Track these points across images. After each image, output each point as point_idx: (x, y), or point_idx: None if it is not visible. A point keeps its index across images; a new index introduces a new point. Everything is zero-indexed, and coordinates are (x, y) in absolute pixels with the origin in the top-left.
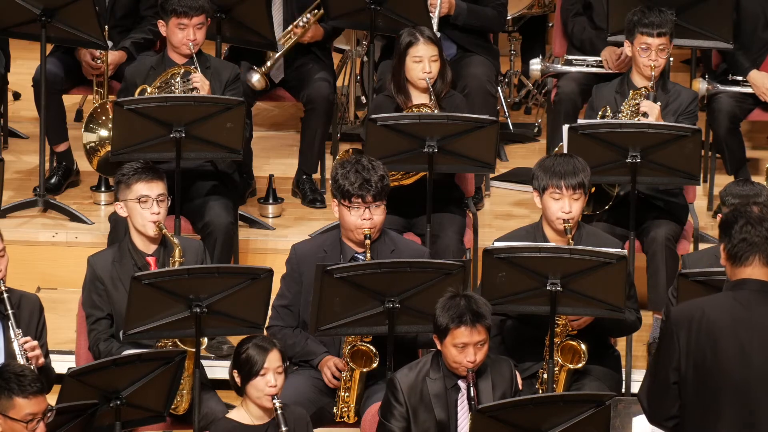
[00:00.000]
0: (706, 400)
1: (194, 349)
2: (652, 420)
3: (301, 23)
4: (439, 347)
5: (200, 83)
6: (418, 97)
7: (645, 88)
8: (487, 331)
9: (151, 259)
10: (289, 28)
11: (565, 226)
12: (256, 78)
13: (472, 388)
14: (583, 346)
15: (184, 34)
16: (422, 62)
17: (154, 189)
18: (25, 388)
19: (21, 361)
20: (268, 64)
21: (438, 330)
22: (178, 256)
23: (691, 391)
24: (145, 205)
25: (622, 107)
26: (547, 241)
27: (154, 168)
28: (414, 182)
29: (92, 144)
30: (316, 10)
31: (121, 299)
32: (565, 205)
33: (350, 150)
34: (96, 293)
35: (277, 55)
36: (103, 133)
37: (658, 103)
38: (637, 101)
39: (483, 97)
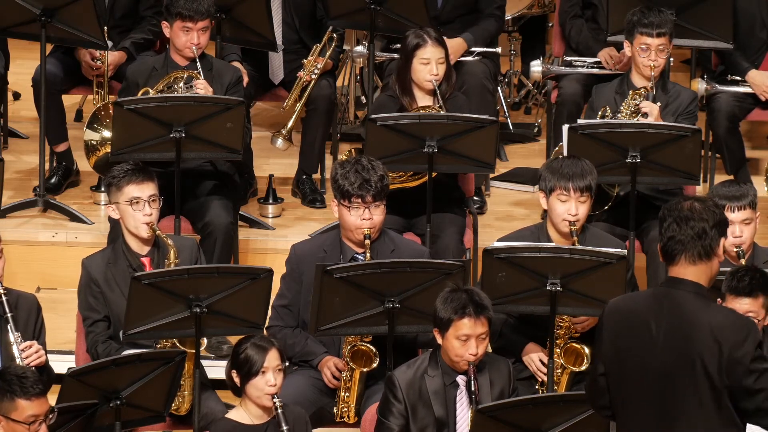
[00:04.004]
0: (624, 392)
1: (194, 351)
2: (592, 408)
3: (314, 74)
4: (440, 342)
5: (204, 90)
6: (423, 99)
7: (644, 88)
8: (489, 323)
9: (145, 260)
10: (298, 81)
11: (571, 229)
12: (279, 142)
13: (473, 382)
14: (586, 349)
15: (188, 38)
16: (429, 64)
17: (145, 190)
18: (27, 389)
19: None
20: (289, 125)
21: (440, 323)
22: (173, 258)
23: (613, 382)
24: (137, 207)
25: (621, 107)
26: (551, 241)
27: (144, 168)
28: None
29: (93, 142)
30: (321, 56)
31: (117, 301)
32: (571, 208)
33: (353, 150)
34: (92, 295)
35: (295, 116)
36: (106, 134)
37: (658, 104)
38: (636, 101)
39: (480, 95)
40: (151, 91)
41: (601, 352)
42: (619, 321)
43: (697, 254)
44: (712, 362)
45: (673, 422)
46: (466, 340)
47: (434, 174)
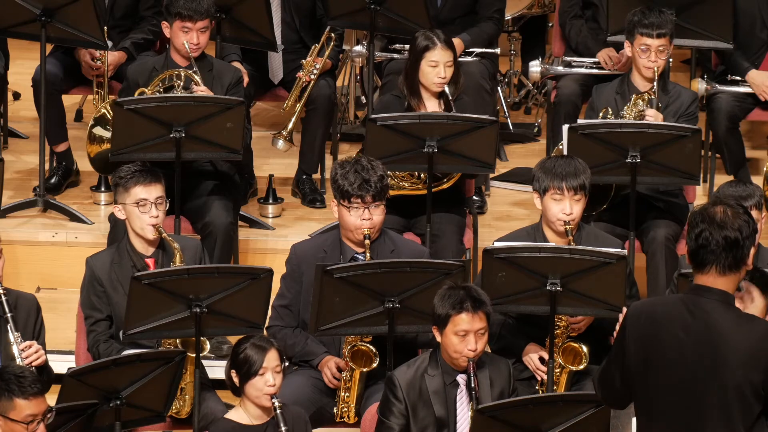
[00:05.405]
0: (648, 396)
1: (194, 355)
2: (603, 402)
3: (312, 74)
4: (439, 339)
5: (204, 94)
6: (430, 100)
7: (647, 93)
8: (487, 318)
9: (150, 261)
10: (297, 81)
11: (566, 228)
12: (280, 144)
13: (473, 378)
14: (584, 348)
15: (188, 38)
16: (438, 67)
17: (153, 192)
18: (25, 389)
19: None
20: (289, 127)
21: (438, 320)
22: (179, 263)
23: (637, 386)
24: (144, 209)
25: (624, 113)
26: (547, 241)
27: (152, 170)
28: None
29: (99, 135)
30: (320, 56)
31: (120, 301)
32: (565, 207)
33: (359, 153)
34: (95, 294)
35: (295, 117)
36: None
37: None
38: (640, 108)
39: (477, 94)
40: (147, 91)
41: (621, 354)
42: (645, 326)
43: (728, 266)
44: (744, 376)
45: (697, 430)
46: (464, 335)
47: (451, 183)
